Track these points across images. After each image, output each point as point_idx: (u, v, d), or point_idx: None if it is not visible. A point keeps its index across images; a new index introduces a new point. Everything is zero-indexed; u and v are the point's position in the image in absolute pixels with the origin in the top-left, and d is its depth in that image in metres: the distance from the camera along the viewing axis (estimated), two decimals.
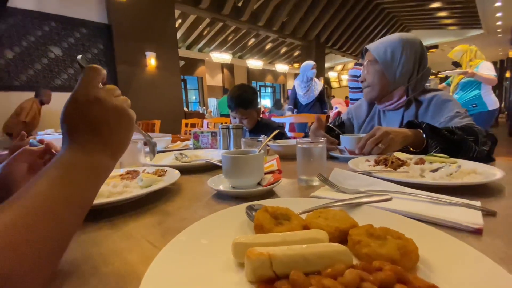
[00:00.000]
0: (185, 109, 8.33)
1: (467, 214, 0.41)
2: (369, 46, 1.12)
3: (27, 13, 4.06)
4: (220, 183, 0.63)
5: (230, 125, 1.08)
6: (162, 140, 1.42)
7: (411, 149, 0.91)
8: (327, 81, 14.96)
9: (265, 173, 0.65)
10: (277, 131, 0.80)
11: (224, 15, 6.83)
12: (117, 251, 0.37)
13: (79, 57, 0.42)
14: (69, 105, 0.36)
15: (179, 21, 7.99)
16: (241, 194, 0.57)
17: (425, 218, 0.41)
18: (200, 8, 6.21)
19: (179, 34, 8.68)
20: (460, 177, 0.59)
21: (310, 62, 3.68)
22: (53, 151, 0.56)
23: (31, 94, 3.97)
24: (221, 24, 8.32)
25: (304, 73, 3.64)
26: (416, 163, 0.72)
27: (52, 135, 3.22)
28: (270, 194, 0.60)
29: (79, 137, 0.35)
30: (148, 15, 5.18)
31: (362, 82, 1.16)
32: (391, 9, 10.25)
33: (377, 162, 0.76)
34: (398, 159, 0.75)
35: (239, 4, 7.16)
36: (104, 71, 0.39)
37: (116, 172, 0.76)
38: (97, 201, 0.50)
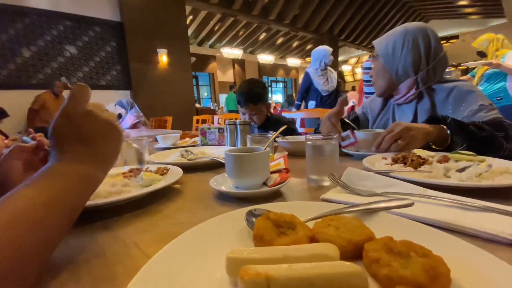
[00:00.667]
0: (197, 105, 8.38)
1: (503, 222, 0.35)
2: (375, 41, 1.10)
3: (42, 12, 4.16)
4: (223, 182, 0.59)
5: (237, 121, 1.04)
6: (170, 137, 1.40)
7: (433, 146, 0.84)
8: (340, 75, 14.61)
9: (271, 172, 0.60)
10: (285, 126, 0.74)
11: (234, 10, 6.76)
12: (104, 258, 0.33)
13: (63, 78, 0.44)
14: (59, 119, 0.37)
15: (190, 17, 8.00)
16: (244, 195, 0.53)
17: (454, 228, 0.35)
18: (211, 3, 6.17)
19: (190, 31, 8.71)
20: (491, 178, 0.52)
21: (326, 47, 3.15)
22: (46, 147, 0.55)
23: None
24: (232, 19, 8.25)
25: (319, 60, 3.11)
26: (440, 162, 0.65)
27: None
28: (276, 195, 0.56)
29: (69, 148, 0.36)
30: (159, 11, 5.19)
31: (371, 77, 1.15)
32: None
33: (395, 161, 0.70)
34: (419, 157, 0.68)
35: None
36: (90, 91, 0.41)
37: (119, 170, 0.74)
38: (92, 202, 0.47)
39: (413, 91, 1.02)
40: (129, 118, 3.39)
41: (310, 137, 0.64)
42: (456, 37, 11.72)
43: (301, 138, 1.13)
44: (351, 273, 0.22)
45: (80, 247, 0.37)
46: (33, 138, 0.58)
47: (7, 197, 0.29)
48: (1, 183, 0.51)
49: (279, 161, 0.65)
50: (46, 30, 4.24)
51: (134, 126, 3.40)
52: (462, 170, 0.57)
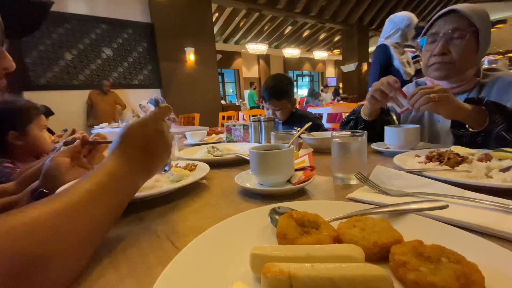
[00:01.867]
0: (223, 102, 8.53)
1: None
2: (463, 10, 0.88)
3: (81, 17, 4.48)
4: (248, 179, 0.60)
5: (262, 117, 1.04)
6: (198, 133, 1.45)
7: (470, 129, 0.78)
8: None
9: (296, 170, 0.60)
10: (310, 124, 0.73)
11: (260, 4, 6.71)
12: (139, 248, 0.36)
13: (154, 96, 0.52)
14: (136, 125, 0.43)
15: (216, 14, 8.09)
16: (268, 192, 0.54)
17: (493, 232, 0.33)
18: None
19: (216, 28, 8.82)
20: None
21: (409, 14, 2.16)
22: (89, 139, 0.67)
23: (88, 92, 4.51)
24: (257, 14, 8.20)
25: (400, 30, 2.15)
26: (481, 160, 0.61)
27: (106, 129, 3.55)
28: (300, 193, 0.55)
29: (131, 152, 0.41)
30: (187, 11, 5.34)
31: (442, 55, 0.91)
32: None
33: (429, 159, 0.66)
34: (457, 155, 0.64)
35: None
36: (172, 110, 0.49)
37: None
38: None
39: (476, 79, 0.95)
40: None
41: (337, 134, 0.62)
42: (503, 21, 10.53)
43: (327, 134, 1.11)
44: (376, 276, 0.21)
45: (118, 237, 0.40)
46: (74, 139, 0.64)
47: (71, 188, 0.34)
48: (53, 175, 0.58)
49: (303, 158, 0.64)
50: (85, 34, 4.58)
51: None
52: (506, 169, 0.52)
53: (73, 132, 1.04)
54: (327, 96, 8.46)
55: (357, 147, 0.59)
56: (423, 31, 0.98)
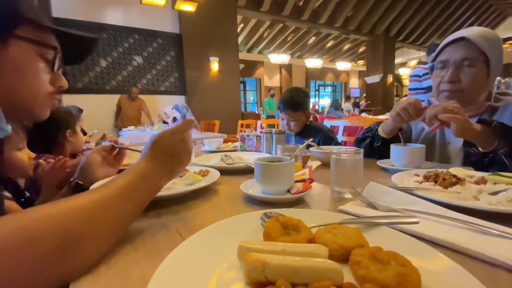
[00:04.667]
0: (245, 110, 8.69)
1: None
2: (474, 38, 0.87)
3: (116, 28, 4.87)
4: (252, 187, 0.67)
5: (273, 130, 1.11)
6: (215, 141, 1.55)
7: (480, 149, 0.80)
8: (397, 79, 13.52)
9: (296, 181, 0.66)
10: (309, 141, 0.79)
11: (284, 16, 6.87)
12: (154, 238, 0.44)
13: (184, 107, 0.62)
14: (166, 133, 0.51)
15: (241, 25, 8.37)
16: (269, 200, 0.60)
17: (457, 248, 0.37)
18: (261, 11, 6.39)
19: (240, 38, 9.10)
20: None
21: None
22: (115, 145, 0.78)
23: (118, 97, 4.86)
24: (281, 25, 8.38)
25: None
26: (476, 183, 0.63)
27: (131, 131, 3.80)
28: (298, 202, 0.61)
29: (158, 156, 0.49)
30: (214, 23, 5.61)
31: (452, 83, 0.92)
32: None
33: (426, 178, 0.69)
34: (454, 176, 0.67)
35: (300, 4, 7.09)
36: (196, 124, 0.57)
37: None
38: None
39: (487, 103, 0.96)
40: None
41: (335, 151, 0.68)
42: None
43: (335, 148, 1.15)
44: (330, 269, 0.28)
45: (139, 229, 0.48)
46: (110, 141, 0.76)
47: (108, 183, 0.42)
48: (87, 169, 0.69)
49: (304, 171, 0.70)
50: (119, 43, 4.95)
51: None
52: (495, 193, 0.55)
53: (103, 136, 1.18)
54: (351, 107, 8.36)
55: (353, 164, 0.64)
56: (432, 57, 1.00)
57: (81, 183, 0.69)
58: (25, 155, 0.94)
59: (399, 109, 0.91)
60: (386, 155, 1.03)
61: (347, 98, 9.56)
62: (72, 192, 0.68)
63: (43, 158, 1.14)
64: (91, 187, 0.59)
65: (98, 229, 0.37)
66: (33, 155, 0.97)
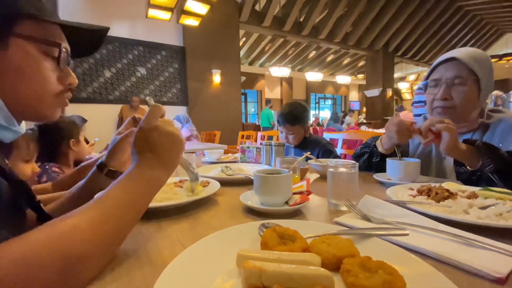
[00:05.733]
0: (246, 122, 8.72)
1: (497, 260, 0.38)
2: (464, 59, 0.92)
3: (122, 40, 5.00)
4: (251, 198, 0.69)
5: (273, 142, 1.14)
6: (216, 152, 1.58)
7: (468, 167, 0.83)
8: (397, 93, 13.69)
9: (294, 193, 0.68)
10: (305, 155, 0.82)
11: (285, 31, 7.05)
12: (157, 246, 0.46)
13: (147, 98, 0.58)
14: (137, 133, 0.49)
15: (243, 39, 8.58)
16: (267, 211, 0.62)
17: (442, 258, 0.39)
18: (263, 26, 6.57)
19: (242, 51, 9.30)
20: (511, 218, 0.51)
21: None
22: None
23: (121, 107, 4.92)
24: (282, 39, 8.58)
25: None
26: (468, 197, 0.65)
27: None
28: (296, 213, 0.63)
29: (143, 156, 0.47)
30: (216, 36, 5.77)
31: (444, 100, 0.96)
32: (478, 11, 8.91)
33: (420, 192, 0.71)
34: (447, 190, 0.69)
35: (301, 20, 7.30)
36: (164, 109, 0.52)
37: (171, 180, 0.90)
38: (150, 204, 0.62)
39: (480, 119, 1.00)
40: (184, 132, 3.80)
41: (332, 164, 0.70)
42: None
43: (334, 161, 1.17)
44: (322, 275, 0.30)
45: (142, 238, 0.50)
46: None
47: (104, 196, 0.41)
48: (115, 154, 0.67)
49: (302, 183, 0.72)
50: (124, 54, 5.07)
51: (187, 139, 3.79)
52: (484, 208, 0.57)
53: (107, 147, 1.21)
54: (352, 120, 8.44)
55: (348, 177, 0.67)
56: (425, 76, 1.05)
57: (113, 169, 0.66)
58: (29, 169, 0.95)
59: (397, 130, 0.93)
60: (384, 169, 1.06)
61: (350, 111, 9.62)
62: (105, 177, 0.65)
63: (47, 167, 1.17)
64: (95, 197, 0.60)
65: (97, 246, 0.36)
66: (37, 169, 0.98)
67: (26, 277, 0.29)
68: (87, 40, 0.55)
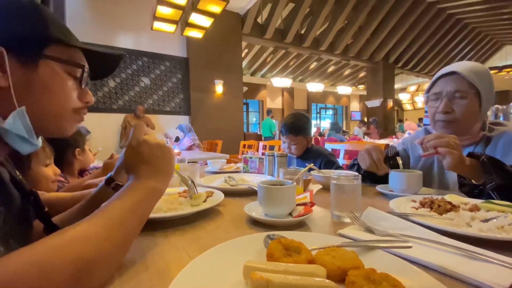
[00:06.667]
0: (247, 131, 8.74)
1: (499, 273, 0.38)
2: (464, 73, 0.93)
3: (127, 51, 5.10)
4: (255, 209, 0.70)
5: (275, 152, 1.16)
6: (218, 162, 1.59)
7: (472, 181, 0.83)
8: (398, 103, 13.76)
9: (298, 205, 0.69)
10: (308, 167, 0.84)
11: (286, 43, 7.18)
12: (163, 257, 0.47)
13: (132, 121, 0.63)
14: (126, 151, 0.54)
15: (245, 50, 8.73)
16: (271, 222, 0.63)
17: (444, 271, 0.39)
18: (265, 38, 6.70)
19: (245, 62, 9.44)
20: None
21: None
22: None
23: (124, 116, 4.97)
24: (283, 51, 8.73)
25: None
26: (471, 210, 0.66)
27: None
28: (299, 225, 0.64)
29: (137, 170, 0.51)
30: (219, 48, 5.88)
31: (446, 113, 0.98)
32: (476, 23, 9.06)
33: (422, 204, 0.72)
34: (449, 203, 0.69)
35: (302, 32, 7.45)
36: (145, 126, 0.60)
37: (176, 189, 0.91)
38: (155, 215, 0.63)
39: (482, 133, 1.00)
40: (186, 141, 3.82)
41: (335, 176, 0.71)
42: None
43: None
44: (326, 287, 0.30)
45: (148, 247, 0.51)
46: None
47: (106, 206, 0.44)
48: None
49: (305, 195, 0.73)
50: (129, 65, 5.17)
51: (189, 148, 3.80)
52: (486, 220, 0.57)
53: (111, 156, 1.23)
54: (360, 131, 8.43)
55: (351, 189, 0.68)
56: (426, 89, 1.07)
57: (121, 184, 0.68)
58: (50, 171, 0.99)
59: (367, 161, 1.00)
60: (376, 180, 1.07)
61: (360, 123, 9.56)
62: (112, 191, 0.66)
63: (62, 175, 1.18)
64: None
65: (105, 251, 0.38)
66: (58, 171, 1.02)
67: (40, 280, 0.31)
68: (103, 64, 0.60)
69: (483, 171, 0.78)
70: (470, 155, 0.84)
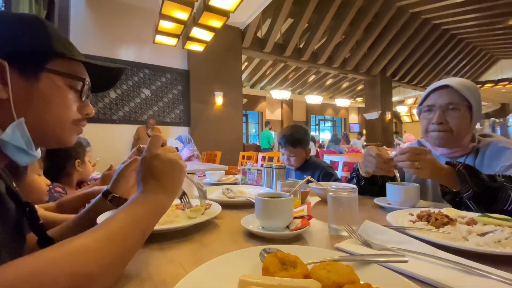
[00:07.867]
0: (247, 142, 8.75)
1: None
2: (456, 86, 0.96)
3: (128, 63, 5.19)
4: (252, 222, 0.70)
5: (274, 164, 1.16)
6: (216, 173, 1.59)
7: (453, 189, 0.85)
8: (396, 116, 13.90)
9: (295, 217, 0.69)
10: (306, 179, 0.84)
11: (285, 57, 7.33)
12: (159, 270, 0.47)
13: (148, 131, 0.63)
14: (141, 161, 0.53)
15: (245, 63, 8.89)
16: (268, 235, 0.63)
17: (440, 286, 0.39)
18: (264, 52, 6.85)
19: (244, 75, 9.59)
20: (509, 245, 0.52)
21: None
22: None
23: (126, 127, 5.07)
24: (282, 64, 8.89)
25: None
26: (468, 223, 0.66)
27: None
28: (297, 238, 0.64)
29: (146, 183, 0.51)
30: (220, 60, 6.00)
31: (439, 124, 1.00)
32: (471, 39, 9.29)
33: (420, 218, 0.72)
34: (446, 216, 0.70)
35: (300, 46, 7.62)
36: (164, 138, 0.57)
37: (174, 202, 0.90)
38: None
39: (473, 144, 1.03)
40: (186, 152, 3.83)
41: (332, 188, 0.72)
42: None
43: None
44: None
45: (143, 261, 0.51)
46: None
47: (110, 218, 0.44)
48: (120, 182, 0.71)
49: (303, 207, 0.73)
50: (130, 77, 5.24)
51: (188, 159, 3.81)
52: (483, 234, 0.57)
53: (110, 168, 1.23)
54: (359, 142, 8.49)
55: (348, 202, 0.68)
56: (419, 101, 1.09)
57: (118, 195, 0.69)
58: (43, 181, 0.99)
59: (373, 164, 0.98)
60: (374, 192, 1.07)
61: (359, 134, 9.75)
62: (109, 203, 0.68)
63: (51, 186, 1.18)
64: (97, 219, 0.61)
65: (104, 266, 0.37)
66: (48, 181, 1.02)
67: None
68: (104, 77, 0.61)
69: (459, 180, 0.80)
70: (449, 163, 0.85)
